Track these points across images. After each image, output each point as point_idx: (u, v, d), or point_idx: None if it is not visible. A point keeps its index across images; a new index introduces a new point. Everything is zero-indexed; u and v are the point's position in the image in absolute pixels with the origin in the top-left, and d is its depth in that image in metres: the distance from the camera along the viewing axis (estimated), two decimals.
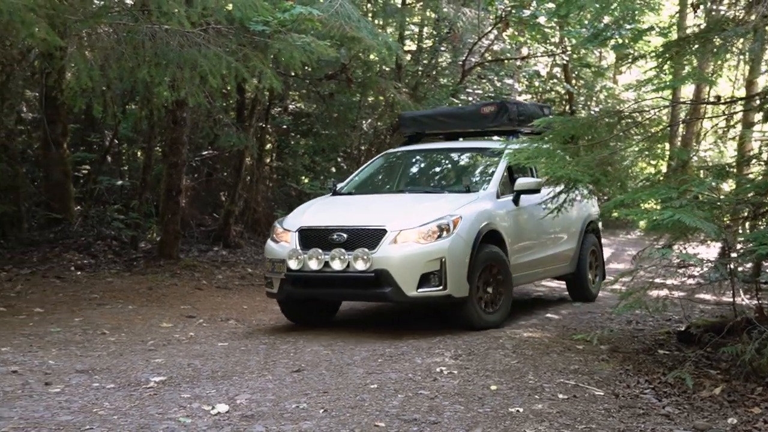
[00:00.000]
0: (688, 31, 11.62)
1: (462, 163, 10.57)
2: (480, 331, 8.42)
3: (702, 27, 8.32)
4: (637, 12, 8.01)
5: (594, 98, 27.72)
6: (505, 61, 22.84)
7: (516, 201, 9.48)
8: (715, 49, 7.33)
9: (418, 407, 5.60)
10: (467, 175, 10.02)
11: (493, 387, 6.15)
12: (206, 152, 18.25)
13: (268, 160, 20.10)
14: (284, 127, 20.18)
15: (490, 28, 19.88)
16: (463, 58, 19.74)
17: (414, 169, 10.56)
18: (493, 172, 9.61)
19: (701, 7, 8.89)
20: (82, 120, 17.05)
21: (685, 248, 6.84)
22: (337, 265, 8.29)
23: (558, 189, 9.50)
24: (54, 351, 7.69)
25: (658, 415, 5.58)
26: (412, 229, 8.34)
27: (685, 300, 8.47)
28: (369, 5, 18.42)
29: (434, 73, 20.40)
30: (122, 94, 14.80)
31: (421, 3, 19.95)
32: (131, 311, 9.97)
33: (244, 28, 10.85)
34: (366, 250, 8.23)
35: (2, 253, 13.16)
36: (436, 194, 9.51)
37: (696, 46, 7.54)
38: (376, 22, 18.52)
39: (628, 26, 11.00)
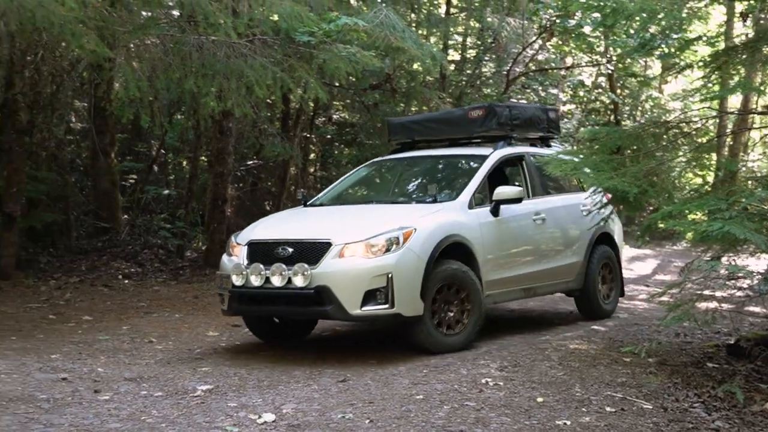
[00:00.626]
0: (736, 40, 11.53)
1: (445, 172, 9.75)
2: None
3: (750, 36, 8.23)
4: (684, 21, 7.90)
5: (639, 108, 27.48)
6: (550, 71, 22.76)
7: (495, 211, 8.69)
8: (763, 59, 7.25)
9: (465, 419, 5.58)
10: (443, 184, 9.24)
11: (540, 399, 6.11)
12: (251, 162, 18.38)
13: (312, 170, 20.21)
14: (328, 136, 20.28)
15: (534, 38, 19.83)
16: (507, 67, 19.71)
17: (391, 179, 9.91)
18: (467, 182, 8.84)
19: (750, 16, 8.80)
20: (129, 130, 17.27)
21: (734, 260, 6.76)
22: (276, 281, 7.73)
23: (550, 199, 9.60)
24: (102, 359, 7.78)
25: (707, 429, 5.51)
26: (358, 243, 7.69)
27: (735, 313, 8.32)
28: (413, 15, 18.45)
29: (478, 82, 20.38)
30: (169, 104, 14.97)
31: (465, 13, 19.95)
32: (178, 320, 10.06)
33: (289, 39, 10.94)
34: (305, 265, 7.63)
35: (51, 261, 13.35)
36: (401, 205, 8.82)
37: (744, 55, 7.47)
38: (420, 32, 18.55)
39: (675, 35, 10.90)
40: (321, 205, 9.36)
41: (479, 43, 20.37)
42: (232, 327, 9.62)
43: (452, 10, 19.38)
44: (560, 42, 20.17)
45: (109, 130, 14.61)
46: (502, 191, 8.72)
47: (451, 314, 8.05)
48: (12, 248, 12.15)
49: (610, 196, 9.63)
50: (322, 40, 10.61)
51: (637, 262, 19.46)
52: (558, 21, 18.04)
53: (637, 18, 8.03)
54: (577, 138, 21.51)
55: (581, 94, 26.25)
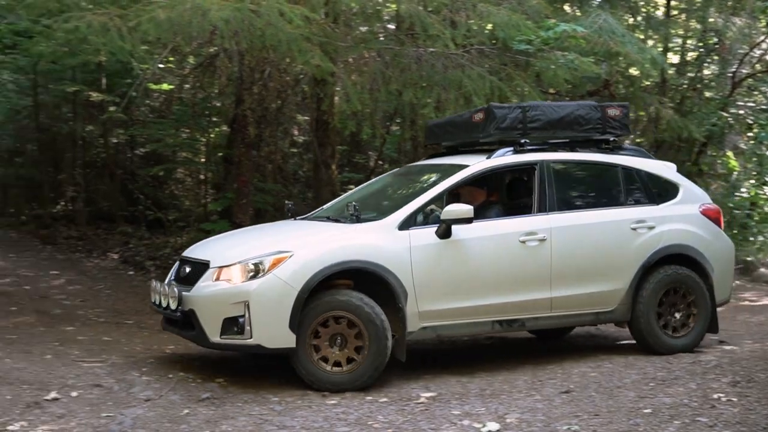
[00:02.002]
0: None
1: (414, 185, 8.65)
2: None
3: None
4: None
5: None
6: None
7: (444, 233, 7.46)
8: None
9: None
10: (399, 200, 8.17)
11: None
12: None
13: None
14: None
15: (763, 37, 18.88)
16: (733, 69, 18.86)
17: (381, 192, 9.06)
18: (411, 199, 7.79)
19: None
20: (349, 142, 17.75)
21: None
22: (164, 302, 7.46)
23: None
24: None
25: None
26: (230, 266, 7.13)
27: None
28: (630, 19, 18.00)
29: (699, 86, 19.62)
30: (386, 115, 15.27)
31: (686, 14, 19.27)
32: None
33: (506, 48, 10.91)
34: (176, 288, 7.30)
35: None
36: (329, 224, 8.00)
37: None
38: (638, 35, 18.07)
39: None
40: (314, 218, 8.47)
41: (701, 44, 19.61)
42: None
43: (672, 12, 18.76)
44: None
45: (330, 142, 15.05)
46: (450, 210, 7.48)
47: (337, 350, 7.14)
48: None
49: (712, 207, 8.81)
50: (540, 48, 10.53)
51: None
52: None
53: None
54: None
55: None
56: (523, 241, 7.80)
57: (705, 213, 8.68)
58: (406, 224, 7.48)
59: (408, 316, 7.31)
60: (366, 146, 17.72)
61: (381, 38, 11.66)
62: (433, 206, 7.91)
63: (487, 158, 8.12)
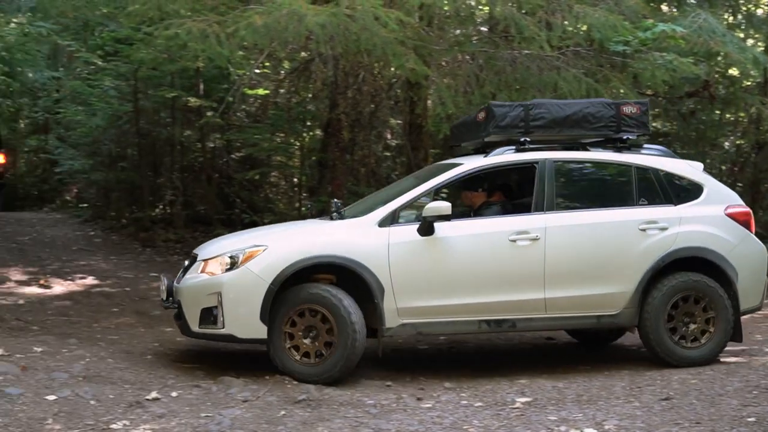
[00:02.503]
0: None
1: (407, 185, 8.47)
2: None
3: None
4: None
5: None
6: None
7: (426, 230, 7.45)
8: None
9: None
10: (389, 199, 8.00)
11: None
12: None
13: None
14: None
15: None
16: None
17: (390, 192, 8.73)
18: (396, 196, 7.85)
19: None
20: (441, 145, 17.72)
21: None
22: (162, 295, 7.91)
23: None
24: (420, 367, 8.01)
25: None
26: (211, 259, 7.48)
27: None
28: (730, 18, 17.58)
29: None
30: None
31: None
32: None
33: (602, 49, 10.78)
34: (167, 280, 7.77)
35: None
36: (317, 221, 8.44)
37: None
38: (738, 34, 17.63)
39: None
40: (342, 217, 8.07)
41: None
42: (545, 341, 9.57)
43: None
44: None
45: (423, 145, 15.05)
46: (429, 207, 7.48)
47: (309, 342, 7.30)
48: None
49: (740, 209, 8.20)
50: (638, 49, 10.36)
51: None
52: None
53: None
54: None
55: None
56: (514, 240, 7.64)
57: (731, 215, 8.09)
58: (386, 221, 7.56)
59: (385, 312, 7.36)
60: (458, 150, 17.65)
61: (474, 41, 11.64)
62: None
63: (484, 157, 8.06)
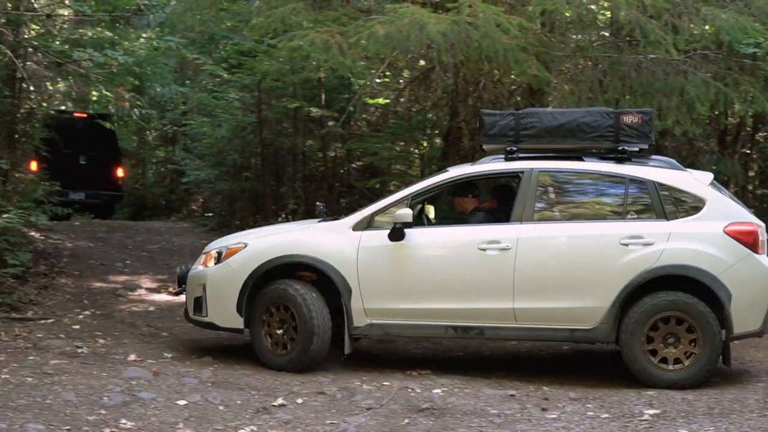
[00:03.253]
0: None
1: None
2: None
3: None
4: None
5: None
6: None
7: (395, 235, 7.75)
8: None
9: None
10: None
11: None
12: None
13: (750, 187, 19.11)
14: None
15: None
16: None
17: None
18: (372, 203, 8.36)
19: None
20: None
21: None
22: (176, 283, 8.93)
23: None
24: (546, 377, 7.92)
25: None
26: (207, 253, 8.42)
27: None
28: None
29: None
30: None
31: None
32: None
33: (731, 52, 10.46)
34: (178, 270, 8.84)
35: None
36: (310, 222, 8.99)
37: None
38: None
39: None
40: (325, 220, 8.76)
41: None
42: None
43: None
44: None
45: None
46: (397, 214, 7.75)
47: (280, 334, 7.91)
48: None
49: (743, 228, 7.62)
50: None
51: None
52: None
53: None
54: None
55: None
56: (484, 249, 7.71)
57: (731, 233, 7.56)
58: (359, 225, 8.00)
59: (353, 311, 7.81)
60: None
61: (597, 46, 11.46)
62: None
63: (471, 165, 8.35)
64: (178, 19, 12.76)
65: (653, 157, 8.32)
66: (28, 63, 12.67)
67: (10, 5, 12.92)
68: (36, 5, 13.68)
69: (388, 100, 15.97)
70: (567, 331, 7.77)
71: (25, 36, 12.70)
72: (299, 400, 6.77)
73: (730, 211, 7.81)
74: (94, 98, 20.20)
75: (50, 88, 16.01)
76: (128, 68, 12.59)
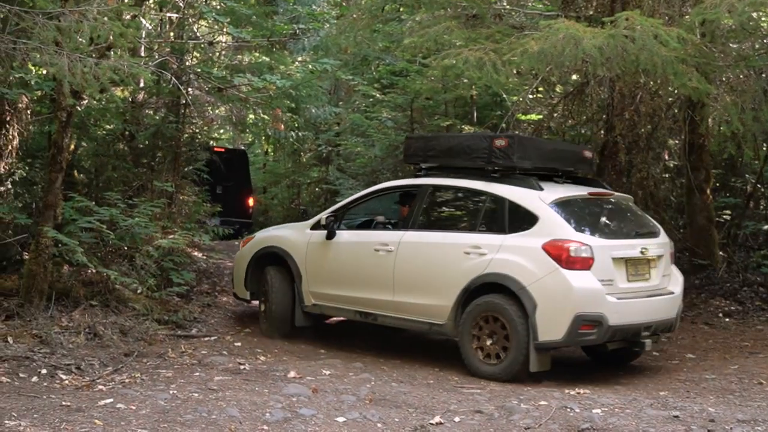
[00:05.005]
0: None
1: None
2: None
3: None
4: None
5: None
6: None
7: (329, 234, 9.86)
8: None
9: None
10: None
11: None
12: None
13: None
14: None
15: None
16: None
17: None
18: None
19: None
20: (723, 165, 16.91)
21: None
22: None
23: None
24: (712, 398, 7.66)
25: None
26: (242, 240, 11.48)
27: None
28: None
29: None
30: (766, 136, 14.37)
31: None
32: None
33: None
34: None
35: None
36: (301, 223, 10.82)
37: None
38: None
39: None
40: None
41: None
42: None
43: None
44: None
45: (704, 166, 14.43)
46: (322, 217, 10.04)
47: (263, 307, 10.49)
48: None
49: (556, 244, 8.24)
50: None
51: None
52: None
53: None
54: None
55: None
56: (377, 250, 9.42)
57: (546, 248, 8.28)
58: (314, 226, 10.13)
59: (303, 293, 10.03)
60: (743, 169, 16.75)
61: (759, 54, 11.03)
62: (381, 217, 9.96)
63: (394, 181, 10.20)
64: (333, 42, 13.06)
65: (513, 176, 9.07)
66: (190, 89, 13.21)
67: (173, 34, 13.52)
68: (198, 33, 14.24)
69: (540, 116, 15.81)
70: (428, 325, 9.13)
71: (188, 63, 13.24)
72: (456, 419, 6.75)
73: (555, 228, 8.45)
74: (251, 121, 20.83)
75: (211, 112, 16.63)
76: (285, 91, 12.96)
